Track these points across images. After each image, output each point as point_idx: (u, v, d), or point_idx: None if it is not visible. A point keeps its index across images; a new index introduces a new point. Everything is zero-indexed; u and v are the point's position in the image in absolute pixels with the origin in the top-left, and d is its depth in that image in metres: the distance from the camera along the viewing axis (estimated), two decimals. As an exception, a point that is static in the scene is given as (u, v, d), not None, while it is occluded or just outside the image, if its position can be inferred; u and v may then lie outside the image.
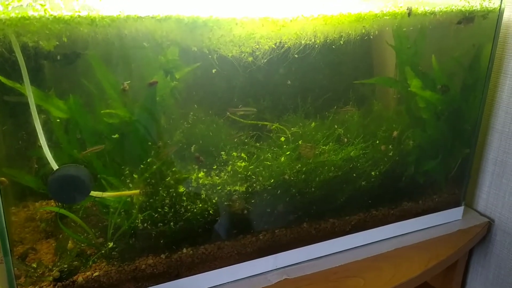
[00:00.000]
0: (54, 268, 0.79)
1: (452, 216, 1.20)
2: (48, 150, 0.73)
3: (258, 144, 0.92)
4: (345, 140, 0.98)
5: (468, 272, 1.31)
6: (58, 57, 0.70)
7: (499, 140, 1.17)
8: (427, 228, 1.16)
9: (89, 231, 0.82)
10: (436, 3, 0.94)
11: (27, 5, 0.61)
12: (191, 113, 0.84)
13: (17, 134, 0.77)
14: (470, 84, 1.09)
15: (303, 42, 0.84)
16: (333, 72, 0.92)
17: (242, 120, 0.88)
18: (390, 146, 1.03)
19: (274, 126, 0.93)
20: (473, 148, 1.16)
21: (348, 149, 0.99)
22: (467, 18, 0.99)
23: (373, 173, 1.03)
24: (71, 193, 0.73)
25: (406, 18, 0.92)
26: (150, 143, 0.83)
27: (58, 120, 0.75)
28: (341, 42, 0.87)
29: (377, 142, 1.02)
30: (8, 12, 0.61)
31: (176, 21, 0.73)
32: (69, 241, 0.83)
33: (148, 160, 0.82)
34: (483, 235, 1.21)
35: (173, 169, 0.85)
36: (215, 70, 0.80)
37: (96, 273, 0.81)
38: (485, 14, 1.01)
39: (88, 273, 0.81)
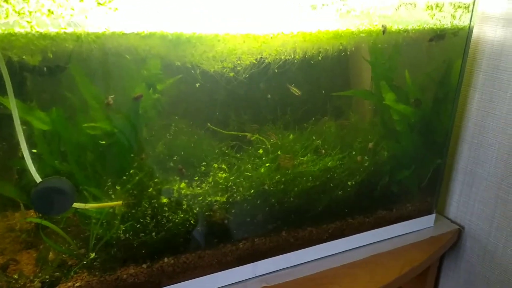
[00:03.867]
0: (35, 279, 0.79)
1: (424, 224, 1.25)
2: (31, 162, 0.73)
3: (238, 155, 0.94)
4: (323, 151, 1.01)
5: (440, 277, 1.36)
6: (43, 71, 0.71)
7: (468, 150, 1.22)
8: (401, 235, 1.21)
9: (71, 242, 0.83)
10: (409, 21, 0.98)
11: (13, 22, 0.62)
12: (173, 124, 0.85)
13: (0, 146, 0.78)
14: (441, 98, 1.14)
15: (283, 57, 0.87)
16: (312, 85, 0.95)
17: (223, 131, 0.91)
18: (366, 157, 1.07)
19: (254, 137, 0.95)
20: (444, 158, 1.21)
21: (326, 160, 1.02)
22: (438, 35, 1.04)
23: (349, 183, 1.06)
24: (54, 205, 0.74)
25: (381, 35, 0.96)
26: (132, 155, 0.85)
27: (40, 132, 0.76)
28: (319, 57, 0.91)
29: (353, 153, 1.05)
30: (-6, 28, 0.62)
31: (160, 38, 0.75)
32: (50, 252, 0.83)
33: (131, 172, 0.83)
34: (454, 241, 1.26)
35: (155, 180, 0.86)
36: (198, 84, 0.82)
37: (78, 284, 0.82)
38: (455, 31, 1.06)
39: (69, 284, 0.82)
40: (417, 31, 1.00)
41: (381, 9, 0.93)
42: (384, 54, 1.01)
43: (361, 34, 0.93)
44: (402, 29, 0.97)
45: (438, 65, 1.11)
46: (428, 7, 0.98)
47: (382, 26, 0.94)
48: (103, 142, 0.81)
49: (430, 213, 1.25)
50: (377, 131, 1.09)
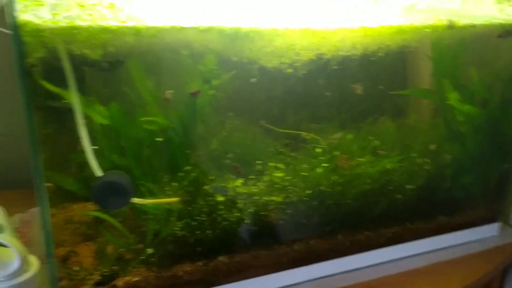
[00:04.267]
0: (95, 272, 0.81)
1: (488, 232, 1.17)
2: (93, 157, 0.75)
3: (293, 154, 0.92)
4: (382, 152, 0.97)
5: (504, 290, 1.28)
6: (103, 65, 0.72)
7: (539, 155, 1.14)
8: (462, 243, 1.14)
9: (128, 236, 0.84)
10: (477, 16, 0.93)
11: (75, 15, 0.64)
12: (228, 121, 0.85)
13: (60, 139, 0.80)
14: (509, 98, 1.07)
15: (342, 53, 0.85)
16: (372, 83, 0.92)
17: (277, 129, 0.89)
18: (427, 160, 1.02)
19: (309, 136, 0.93)
20: (512, 163, 1.14)
21: (385, 162, 0.98)
22: (507, 31, 0.98)
23: (409, 186, 1.02)
24: (114, 199, 0.74)
25: (446, 30, 0.91)
26: (188, 151, 0.85)
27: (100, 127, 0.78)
28: (380, 54, 0.87)
29: (414, 155, 1.01)
30: (57, 21, 0.64)
31: (218, 32, 0.74)
32: (109, 245, 0.85)
33: (187, 168, 0.83)
34: (520, 252, 1.18)
35: (211, 178, 0.86)
36: (254, 80, 0.81)
37: (136, 278, 0.83)
38: (527, 27, 0.99)
39: (127, 278, 0.82)
40: (485, 26, 0.95)
41: (447, 2, 0.88)
42: (448, 51, 0.97)
43: (425, 30, 0.88)
44: (469, 24, 0.92)
45: (507, 63, 1.04)
46: (497, 0, 0.93)
47: (448, 20, 0.89)
48: (159, 138, 0.82)
49: (494, 221, 1.18)
50: (439, 132, 1.03)
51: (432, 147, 1.01)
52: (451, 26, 0.90)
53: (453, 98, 0.99)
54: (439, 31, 0.91)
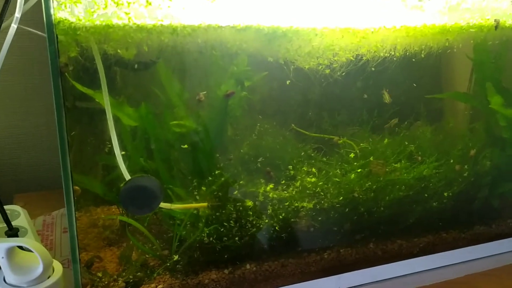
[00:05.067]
0: (119, 279, 0.78)
1: (526, 242, 1.12)
2: (122, 160, 0.71)
3: (325, 159, 0.88)
4: (419, 158, 0.92)
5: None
6: (136, 66, 0.69)
7: None
8: (499, 253, 1.09)
9: (154, 242, 0.81)
10: (525, 15, 0.88)
11: (111, 13, 0.60)
12: (263, 125, 0.81)
13: (88, 141, 0.77)
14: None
15: (382, 54, 0.80)
16: (412, 86, 0.87)
17: (308, 133, 0.85)
18: (466, 166, 0.97)
19: (341, 141, 0.89)
20: (554, 172, 1.08)
21: (421, 168, 0.93)
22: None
23: (445, 193, 0.97)
24: (142, 204, 0.71)
25: (492, 31, 0.86)
26: (217, 155, 0.81)
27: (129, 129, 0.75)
28: (422, 55, 0.83)
29: (451, 161, 0.96)
30: (93, 19, 0.60)
31: (256, 31, 0.70)
32: (133, 251, 0.82)
33: (216, 172, 0.80)
34: (559, 265, 1.13)
35: (240, 182, 0.82)
36: (289, 82, 0.77)
37: (160, 286, 0.79)
38: None
39: (152, 285, 0.79)
40: (534, 27, 0.89)
41: (494, 1, 0.83)
42: (491, 52, 0.91)
43: (470, 30, 0.83)
44: (517, 24, 0.87)
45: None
46: (548, -1, 0.87)
47: (495, 20, 0.84)
48: (189, 140, 0.78)
49: (533, 231, 1.12)
50: (479, 138, 0.98)
51: (472, 153, 0.96)
52: (497, 26, 0.85)
53: (495, 102, 0.94)
54: (485, 31, 0.86)
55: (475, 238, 1.05)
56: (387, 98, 0.86)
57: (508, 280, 1.01)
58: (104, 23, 0.60)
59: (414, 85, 0.90)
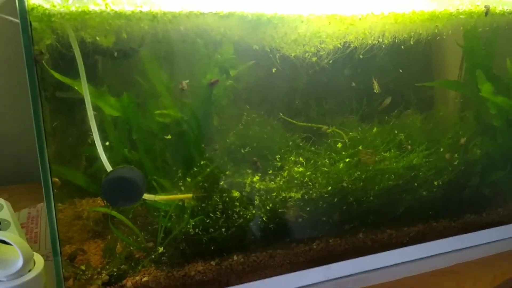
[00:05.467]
0: (103, 271, 0.76)
1: (517, 231, 1.12)
2: (103, 150, 0.70)
3: (313, 149, 0.87)
4: (408, 147, 0.91)
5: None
6: (115, 53, 0.67)
7: None
8: (490, 242, 1.08)
9: (138, 234, 0.79)
10: (516, 1, 0.86)
11: (87, -1, 0.58)
12: (250, 114, 0.79)
13: (69, 132, 0.75)
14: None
15: (370, 42, 0.78)
16: (401, 74, 0.86)
17: (296, 122, 0.84)
18: (456, 155, 0.96)
19: (330, 130, 0.88)
20: (545, 159, 1.07)
21: (411, 157, 0.92)
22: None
23: (435, 182, 0.96)
24: (124, 196, 0.69)
25: (482, 17, 0.84)
26: (203, 145, 0.80)
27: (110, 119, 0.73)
28: (411, 42, 0.81)
29: (441, 149, 0.95)
30: (68, 5, 0.58)
31: (240, 18, 0.68)
32: (118, 243, 0.80)
33: (201, 163, 0.78)
34: (550, 253, 1.12)
35: (227, 173, 0.81)
36: (275, 70, 0.75)
37: (145, 278, 0.78)
38: None
39: (137, 278, 0.78)
40: (525, 13, 0.87)
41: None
42: (482, 39, 0.90)
43: (460, 16, 0.82)
44: (508, 10, 0.85)
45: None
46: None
47: (485, 6, 0.82)
48: (173, 130, 0.77)
49: (524, 219, 1.12)
50: (469, 126, 0.97)
51: (462, 141, 0.95)
52: (488, 13, 0.83)
53: (486, 89, 0.93)
54: (475, 18, 0.84)
55: (465, 227, 1.04)
56: (376, 87, 0.85)
57: (499, 268, 1.00)
58: (80, 9, 0.58)
59: (401, 71, 0.88)
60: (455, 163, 0.97)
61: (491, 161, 1.02)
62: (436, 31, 0.82)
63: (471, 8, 0.82)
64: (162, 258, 0.80)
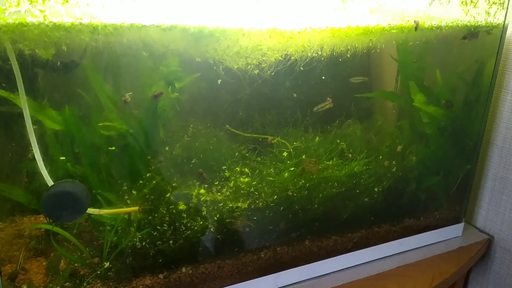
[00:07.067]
0: (45, 290, 0.74)
1: (452, 233, 1.18)
2: (43, 164, 0.68)
3: (259, 159, 0.89)
4: (350, 155, 0.95)
5: (467, 289, 1.30)
6: (56, 66, 0.66)
7: (499, 156, 1.16)
8: (428, 245, 1.14)
9: (83, 250, 0.78)
10: (442, 17, 0.92)
11: (25, 10, 0.57)
12: (196, 126, 0.80)
13: (7, 147, 0.73)
14: (472, 100, 1.08)
15: (309, 54, 0.82)
16: (339, 85, 0.89)
17: (242, 133, 0.85)
18: (394, 162, 1.01)
19: (275, 140, 0.90)
20: (474, 164, 1.15)
21: (352, 165, 0.96)
22: (472, 33, 0.98)
23: (376, 189, 1.00)
24: (67, 211, 0.68)
25: (413, 32, 0.90)
26: (149, 157, 0.80)
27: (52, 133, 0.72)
28: (348, 55, 0.85)
29: (380, 157, 0.99)
30: (4, 18, 0.57)
31: (182, 31, 0.70)
32: (62, 260, 0.78)
33: (147, 175, 0.78)
34: (483, 252, 1.19)
35: (173, 185, 0.81)
36: (220, 81, 0.77)
37: (91, 295, 0.77)
38: (489, 29, 1.00)
39: (81, 295, 0.76)
40: (451, 28, 0.94)
41: (414, 4, 0.87)
42: (413, 53, 0.96)
43: (392, 30, 0.87)
44: (435, 25, 0.92)
45: (470, 65, 1.05)
46: (462, 2, 0.93)
47: (415, 22, 0.88)
48: (118, 143, 0.76)
49: (458, 221, 1.19)
50: (405, 134, 1.03)
51: (399, 149, 1.01)
52: (417, 27, 0.89)
53: (418, 100, 0.99)
54: (405, 32, 0.90)
55: (405, 231, 1.10)
56: (329, 105, 0.88)
57: (438, 268, 1.06)
58: (17, 21, 0.57)
59: (346, 84, 0.92)
60: (393, 170, 1.01)
61: (426, 168, 1.07)
62: (371, 44, 0.87)
63: (402, 23, 0.88)
64: (109, 273, 0.79)
